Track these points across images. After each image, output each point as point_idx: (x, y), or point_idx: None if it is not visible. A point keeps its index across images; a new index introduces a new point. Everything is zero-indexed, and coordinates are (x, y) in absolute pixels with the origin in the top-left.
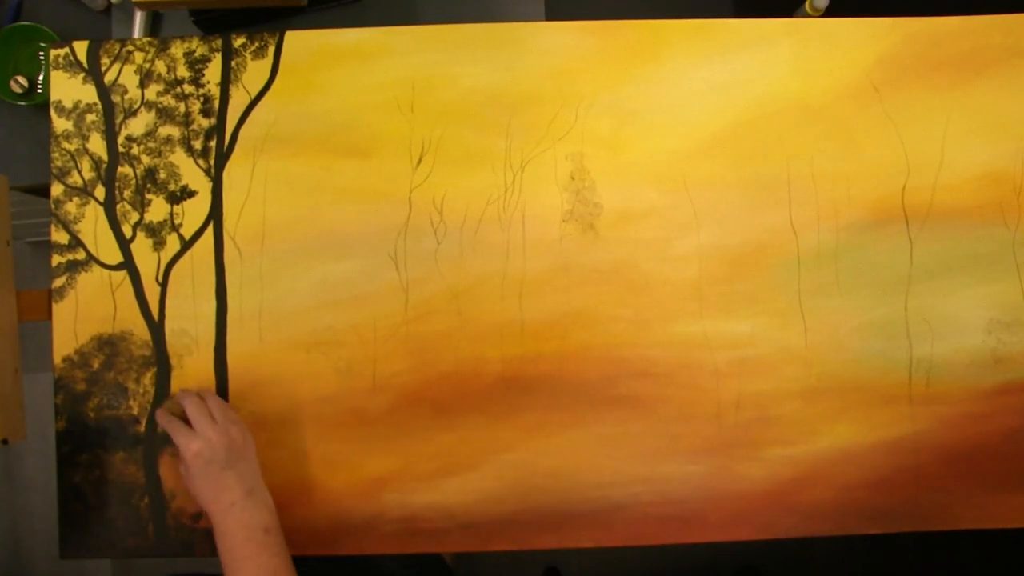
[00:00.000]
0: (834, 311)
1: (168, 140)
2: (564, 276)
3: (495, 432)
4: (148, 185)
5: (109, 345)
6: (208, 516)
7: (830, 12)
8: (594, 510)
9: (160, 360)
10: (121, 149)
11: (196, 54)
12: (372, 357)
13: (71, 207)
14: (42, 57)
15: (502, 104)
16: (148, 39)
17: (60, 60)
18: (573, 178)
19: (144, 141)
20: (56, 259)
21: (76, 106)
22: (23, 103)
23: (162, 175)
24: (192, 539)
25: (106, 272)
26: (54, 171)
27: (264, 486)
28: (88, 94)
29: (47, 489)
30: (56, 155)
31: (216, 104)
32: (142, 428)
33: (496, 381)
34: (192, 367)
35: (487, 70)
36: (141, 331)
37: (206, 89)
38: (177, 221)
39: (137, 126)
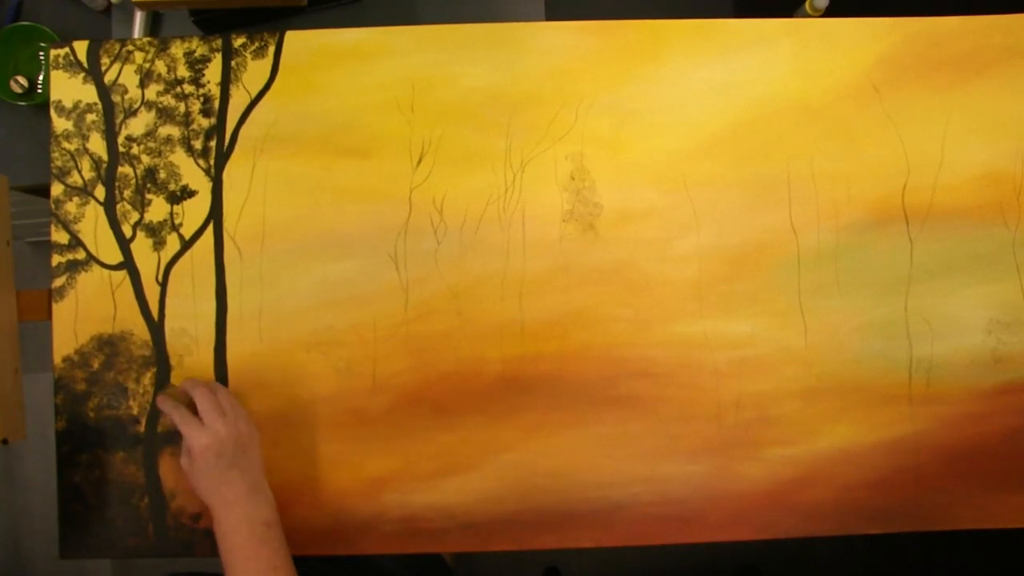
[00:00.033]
0: (834, 311)
1: (168, 140)
2: (564, 276)
3: (495, 432)
4: (148, 185)
5: (109, 345)
6: (209, 509)
7: (830, 12)
8: (594, 510)
9: (160, 360)
10: (121, 149)
11: (196, 54)
12: (372, 357)
13: (71, 207)
14: (42, 57)
15: (502, 104)
16: (148, 39)
17: (60, 60)
18: (573, 178)
19: (144, 141)
20: (56, 259)
21: (76, 106)
22: (23, 103)
23: (162, 175)
24: (192, 539)
25: (106, 272)
26: (54, 171)
27: (266, 481)
28: (88, 94)
29: (47, 489)
30: (56, 155)
31: (216, 104)
32: (142, 428)
33: (496, 381)
34: (192, 367)
35: (487, 70)
36: (141, 331)
37: (206, 89)
38: (177, 221)
39: (137, 126)
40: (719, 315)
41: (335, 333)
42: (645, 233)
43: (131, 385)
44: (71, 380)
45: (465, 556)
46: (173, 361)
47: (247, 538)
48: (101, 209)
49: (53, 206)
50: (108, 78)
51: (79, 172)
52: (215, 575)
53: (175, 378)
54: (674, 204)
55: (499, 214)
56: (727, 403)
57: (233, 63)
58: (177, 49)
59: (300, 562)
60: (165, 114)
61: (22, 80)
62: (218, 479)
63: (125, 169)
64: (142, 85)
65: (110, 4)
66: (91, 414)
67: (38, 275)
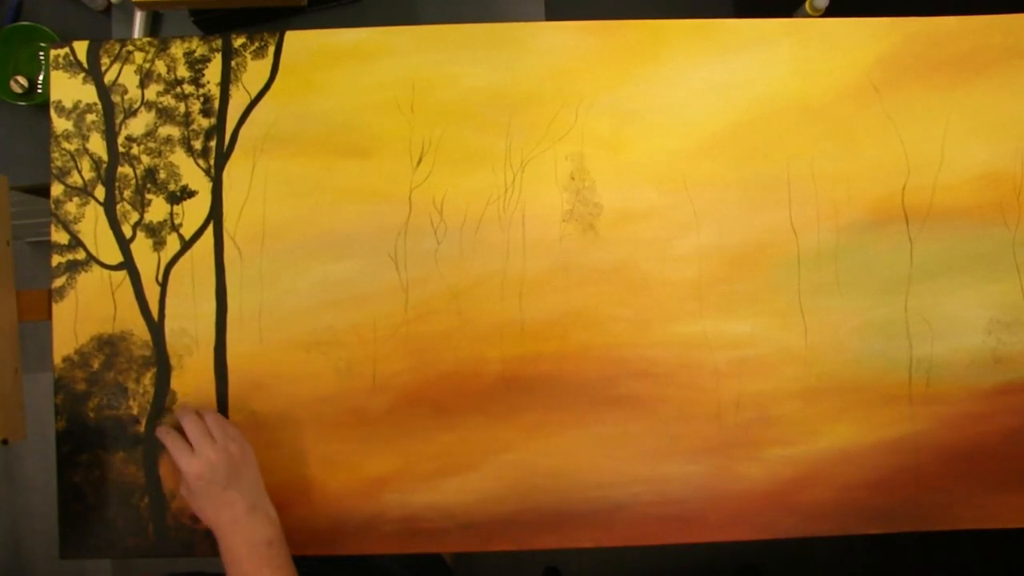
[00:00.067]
0: (834, 311)
1: (168, 140)
2: (564, 276)
3: (495, 432)
4: (148, 185)
5: (109, 345)
6: (213, 533)
7: (830, 12)
8: (594, 510)
9: (160, 360)
10: (121, 149)
11: (196, 54)
12: (372, 357)
13: (71, 207)
14: (42, 57)
15: (502, 104)
16: (148, 39)
17: (60, 60)
18: (573, 178)
19: (144, 141)
20: (56, 259)
21: (76, 106)
22: (23, 103)
23: (162, 175)
24: (192, 539)
25: (106, 272)
26: (54, 171)
27: (267, 499)
28: (88, 94)
29: (47, 489)
30: (56, 155)
31: (216, 104)
32: (142, 428)
33: (496, 381)
34: (192, 367)
35: (487, 70)
36: (141, 331)
37: (206, 89)
38: (177, 221)
39: (137, 126)
40: (719, 315)
41: (335, 333)
42: (645, 233)
43: (131, 385)
44: (71, 380)
45: (465, 556)
46: (173, 361)
47: (248, 558)
48: (101, 209)
49: (53, 206)
50: (108, 78)
51: (79, 172)
52: (215, 575)
53: (175, 378)
54: (674, 204)
55: (499, 214)
56: (727, 403)
57: (233, 63)
58: (177, 49)
59: (300, 562)
60: (165, 114)
61: (22, 80)
62: (215, 502)
63: (125, 169)
64: (142, 85)
65: (110, 4)
66: (91, 414)
67: (38, 275)
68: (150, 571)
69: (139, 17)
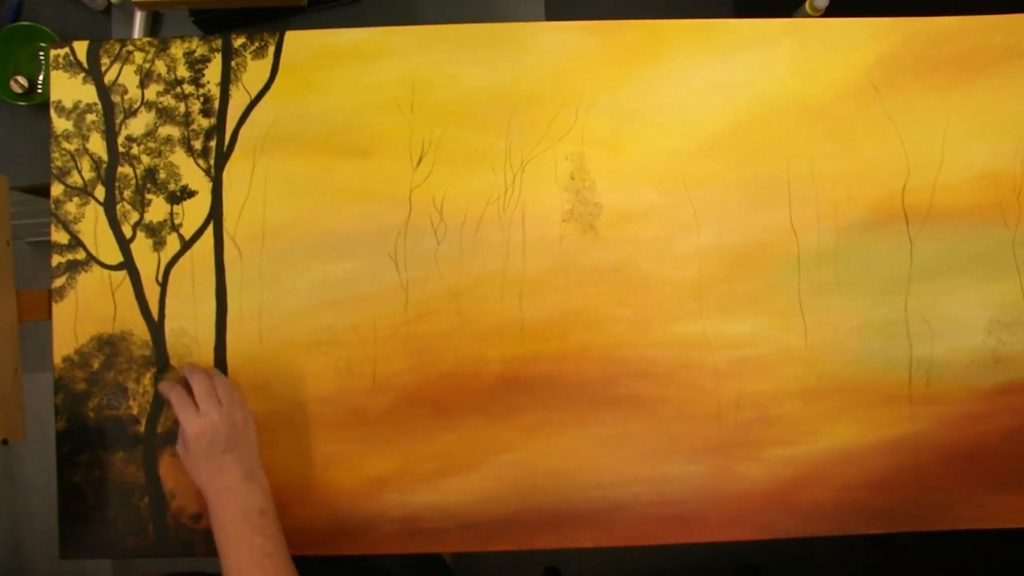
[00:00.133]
0: (834, 311)
1: (168, 140)
2: (564, 276)
3: (495, 432)
4: (148, 185)
5: (109, 345)
6: (204, 496)
7: (830, 12)
8: (594, 510)
9: (160, 360)
10: (121, 149)
11: (196, 54)
12: (372, 357)
13: (71, 207)
14: (42, 57)
15: (502, 104)
16: (148, 39)
17: (60, 60)
18: (573, 178)
19: (144, 141)
20: (56, 259)
21: (76, 106)
22: (23, 103)
23: (162, 175)
24: (192, 539)
25: (106, 272)
26: (54, 171)
27: (262, 471)
28: (88, 94)
29: (47, 489)
30: (56, 155)
31: (216, 104)
32: (142, 428)
33: (496, 381)
34: None
35: (487, 70)
36: (141, 331)
37: (206, 89)
38: (177, 221)
39: (137, 126)
40: (719, 315)
41: (335, 333)
42: (645, 233)
43: (131, 385)
44: (71, 380)
45: (465, 556)
46: (173, 361)
47: (240, 524)
48: (101, 209)
49: (53, 206)
50: (108, 78)
51: (79, 172)
52: (215, 575)
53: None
54: (674, 204)
55: (499, 214)
56: (727, 403)
57: (233, 63)
58: (177, 49)
59: (300, 562)
60: (165, 114)
61: (22, 80)
62: (212, 466)
63: (125, 169)
64: (142, 85)
65: (110, 4)
66: (91, 414)
67: (38, 275)
68: (150, 571)
69: (139, 17)
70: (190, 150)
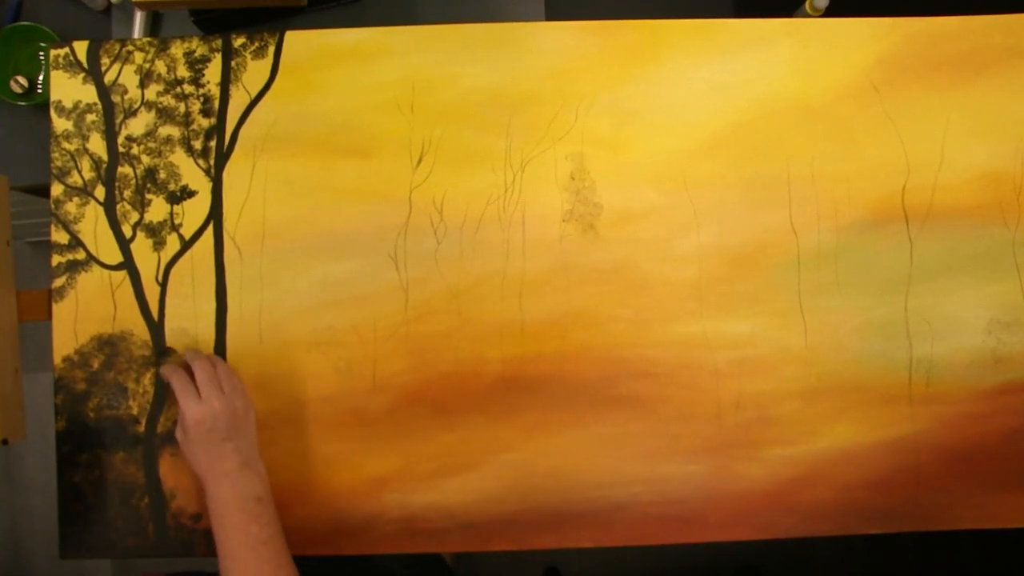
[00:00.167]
0: (834, 311)
1: (168, 140)
2: (564, 276)
3: (495, 432)
4: (148, 185)
5: (109, 345)
6: (201, 483)
7: (830, 12)
8: (594, 510)
9: (158, 363)
10: (121, 149)
11: (196, 54)
12: (372, 357)
13: (71, 207)
14: (42, 57)
15: (502, 104)
16: (148, 39)
17: (60, 60)
18: (573, 178)
19: (144, 141)
20: (56, 259)
21: (76, 106)
22: (23, 103)
23: (162, 175)
24: (192, 539)
25: (106, 272)
26: (54, 171)
27: (259, 458)
28: (88, 94)
29: (47, 489)
30: (56, 155)
31: (216, 104)
32: (142, 428)
33: (496, 381)
34: None
35: (487, 70)
36: (141, 331)
37: (206, 89)
38: (177, 221)
39: (137, 126)
40: (719, 315)
41: (335, 333)
42: (645, 233)
43: (131, 385)
44: (71, 380)
45: (465, 556)
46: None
47: (237, 512)
48: (101, 209)
49: (53, 206)
50: (108, 78)
51: (79, 172)
52: (215, 575)
53: None
54: (674, 204)
55: (499, 214)
56: (727, 403)
57: (233, 63)
58: (177, 49)
59: (300, 562)
60: (165, 114)
61: (22, 80)
62: (210, 453)
63: (125, 169)
64: (142, 85)
65: (110, 4)
66: (91, 414)
67: (38, 275)
68: (150, 571)
69: (139, 17)
70: (190, 150)
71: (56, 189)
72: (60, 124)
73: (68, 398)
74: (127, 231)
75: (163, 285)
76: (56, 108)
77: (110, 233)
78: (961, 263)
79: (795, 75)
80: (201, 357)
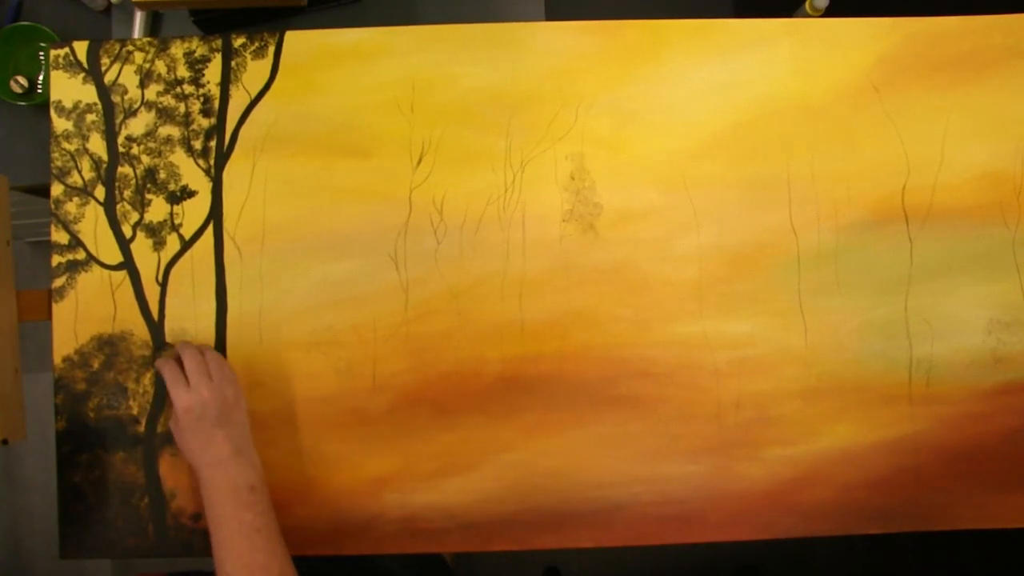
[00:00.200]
0: (834, 311)
1: (168, 140)
2: (564, 276)
3: (495, 432)
4: (148, 185)
5: (109, 345)
6: (195, 472)
7: (830, 12)
8: (594, 510)
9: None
10: (121, 149)
11: (196, 54)
12: (372, 357)
13: (71, 207)
14: (42, 57)
15: (502, 104)
16: (148, 39)
17: (60, 60)
18: (573, 178)
19: (144, 141)
20: (56, 259)
21: (76, 106)
22: (23, 103)
23: (162, 175)
24: (192, 539)
25: (106, 272)
26: (54, 171)
27: (253, 448)
28: (88, 94)
29: (47, 489)
30: (56, 155)
31: (216, 104)
32: (142, 428)
33: (496, 381)
34: None
35: (487, 70)
36: (141, 331)
37: (206, 89)
38: (177, 221)
39: (137, 126)
40: (719, 315)
41: (335, 333)
42: (645, 233)
43: (131, 385)
44: (71, 380)
45: (465, 556)
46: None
47: (230, 500)
48: (101, 209)
49: (53, 206)
50: (108, 78)
51: (79, 172)
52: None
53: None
54: (674, 204)
55: (499, 214)
56: (727, 403)
57: (233, 63)
58: (177, 49)
59: (300, 562)
60: (165, 114)
61: (22, 80)
62: (201, 441)
63: (125, 169)
64: (142, 85)
65: (110, 4)
66: (91, 414)
67: (38, 275)
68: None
69: (139, 17)
70: (190, 150)
71: (56, 189)
72: (60, 124)
73: (68, 398)
74: (127, 231)
75: (163, 285)
76: (56, 108)
77: (110, 233)
78: (961, 263)
79: (795, 75)
80: (190, 347)
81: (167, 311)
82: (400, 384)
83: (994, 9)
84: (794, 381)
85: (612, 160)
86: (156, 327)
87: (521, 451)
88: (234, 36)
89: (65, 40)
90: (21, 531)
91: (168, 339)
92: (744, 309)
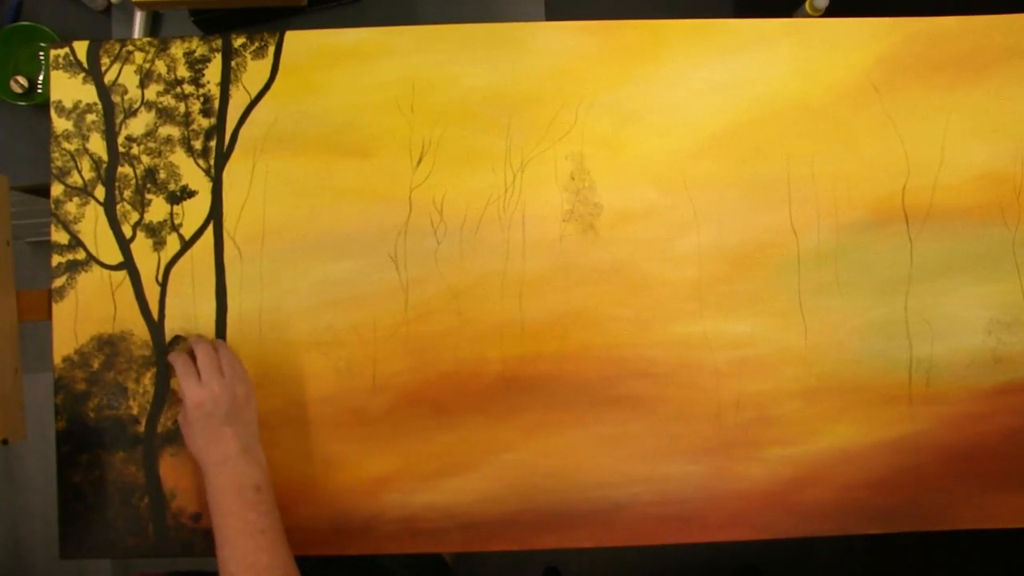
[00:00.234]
0: (834, 311)
1: (168, 140)
2: (564, 276)
3: (495, 432)
4: (148, 185)
5: (109, 345)
6: (201, 469)
7: (830, 12)
8: (594, 510)
9: (160, 360)
10: (121, 149)
11: (196, 54)
12: (372, 357)
13: (71, 207)
14: (42, 57)
15: (502, 104)
16: (148, 39)
17: (60, 60)
18: (573, 178)
19: (144, 141)
20: (56, 259)
21: (76, 106)
22: (23, 103)
23: (162, 175)
24: (192, 539)
25: (106, 272)
26: (54, 171)
27: (260, 447)
28: (88, 94)
29: (47, 489)
30: (56, 155)
31: (216, 104)
32: (142, 428)
33: (496, 381)
34: None
35: (487, 70)
36: (141, 331)
37: (206, 89)
38: (177, 221)
39: (137, 126)
40: (719, 315)
41: (335, 333)
42: (645, 233)
43: (131, 385)
44: (71, 380)
45: (465, 556)
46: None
47: (235, 499)
48: (101, 209)
49: (53, 206)
50: (108, 78)
51: (79, 172)
52: (214, 574)
53: (175, 379)
54: (674, 204)
55: (499, 214)
56: (727, 403)
57: (233, 63)
58: (177, 49)
59: (300, 562)
60: (165, 114)
61: (22, 80)
62: (208, 436)
63: (125, 169)
64: (142, 85)
65: (110, 4)
66: (91, 414)
67: (38, 275)
68: (150, 571)
69: (139, 17)
70: (190, 150)
71: (56, 189)
72: (60, 124)
73: (68, 398)
74: (127, 231)
75: (163, 285)
76: (56, 108)
77: (110, 233)
78: (961, 263)
79: (795, 75)
80: (204, 342)
81: (167, 311)
82: (400, 384)
83: (994, 9)
84: (794, 381)
85: (612, 160)
86: (156, 327)
87: (521, 451)
88: (234, 36)
89: (65, 40)
90: (21, 531)
91: (168, 339)
92: (744, 309)
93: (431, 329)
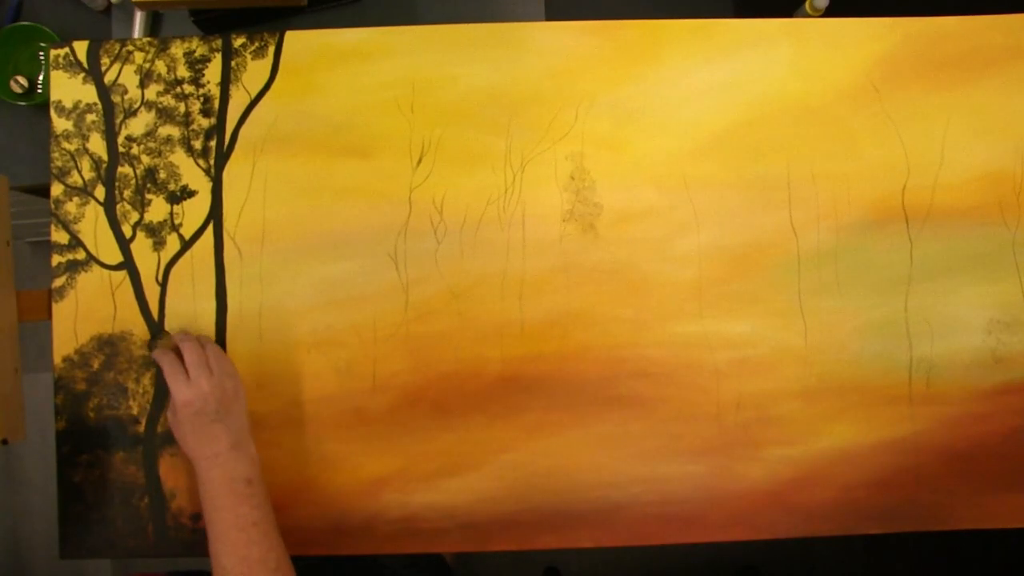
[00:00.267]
0: (834, 311)
1: (168, 140)
2: (564, 276)
3: (495, 432)
4: (148, 185)
5: (109, 345)
6: (192, 465)
7: (830, 12)
8: (594, 510)
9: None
10: (121, 149)
11: (196, 54)
12: (372, 357)
13: (71, 207)
14: (42, 57)
15: (502, 104)
16: (148, 39)
17: (60, 60)
18: (573, 178)
19: (144, 141)
20: (56, 259)
21: (76, 106)
22: (23, 103)
23: (162, 175)
24: (192, 539)
25: (106, 272)
26: (54, 171)
27: (251, 441)
28: (88, 94)
29: (47, 489)
30: (56, 155)
31: (216, 104)
32: (142, 428)
33: (496, 381)
34: None
35: (487, 70)
36: (141, 331)
37: (206, 89)
38: (177, 221)
39: (137, 126)
40: (719, 315)
41: (335, 333)
42: (645, 233)
43: (131, 385)
44: (71, 380)
45: (465, 556)
46: None
47: (226, 494)
48: (101, 209)
49: (53, 206)
50: (108, 78)
51: (79, 172)
52: None
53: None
54: (674, 204)
55: (499, 214)
56: (727, 403)
57: (233, 63)
58: (177, 49)
59: (300, 562)
60: (165, 114)
61: (22, 80)
62: (200, 434)
63: (125, 169)
64: (142, 85)
65: (110, 4)
66: (91, 414)
67: (38, 275)
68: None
69: (139, 17)
70: (190, 150)
71: (56, 189)
72: (60, 124)
73: (68, 398)
74: (127, 231)
75: (163, 285)
76: (56, 108)
77: (110, 233)
78: (961, 263)
79: (795, 75)
80: (190, 339)
81: (167, 311)
82: (400, 384)
83: (994, 9)
84: (794, 381)
85: (612, 160)
86: (156, 327)
87: (521, 451)
88: (234, 36)
89: (65, 40)
90: (21, 531)
91: (151, 335)
92: (744, 309)
93: (431, 329)
